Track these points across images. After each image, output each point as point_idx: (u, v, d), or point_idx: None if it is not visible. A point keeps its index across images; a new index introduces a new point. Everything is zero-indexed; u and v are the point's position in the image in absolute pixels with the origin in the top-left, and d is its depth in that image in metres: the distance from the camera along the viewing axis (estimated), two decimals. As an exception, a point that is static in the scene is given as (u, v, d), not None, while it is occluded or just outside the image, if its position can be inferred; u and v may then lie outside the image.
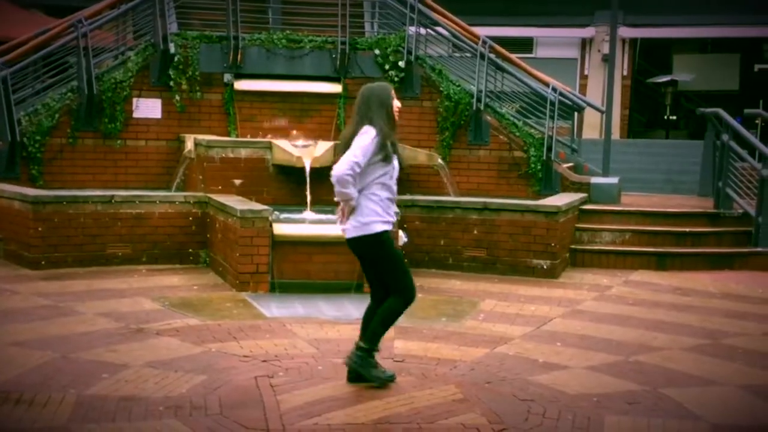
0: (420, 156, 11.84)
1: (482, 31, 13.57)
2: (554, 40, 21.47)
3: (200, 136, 11.20)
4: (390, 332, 6.94)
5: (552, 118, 12.17)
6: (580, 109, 13.31)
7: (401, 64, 12.66)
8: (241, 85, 12.51)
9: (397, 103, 5.68)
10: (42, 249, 9.34)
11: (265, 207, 8.94)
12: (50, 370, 5.78)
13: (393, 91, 5.73)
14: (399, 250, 5.72)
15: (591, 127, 19.73)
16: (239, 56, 12.41)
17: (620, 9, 15.01)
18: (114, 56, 12.60)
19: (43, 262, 9.31)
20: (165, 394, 5.39)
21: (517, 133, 12.44)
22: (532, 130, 12.55)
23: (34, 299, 7.93)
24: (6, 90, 10.85)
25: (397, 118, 5.68)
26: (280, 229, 8.75)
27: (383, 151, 5.48)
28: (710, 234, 11.36)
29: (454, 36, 13.21)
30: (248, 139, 11.78)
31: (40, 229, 9.33)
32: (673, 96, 22.06)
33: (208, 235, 9.84)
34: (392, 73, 12.66)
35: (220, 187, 10.32)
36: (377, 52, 12.72)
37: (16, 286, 8.48)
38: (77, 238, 9.50)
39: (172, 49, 12.13)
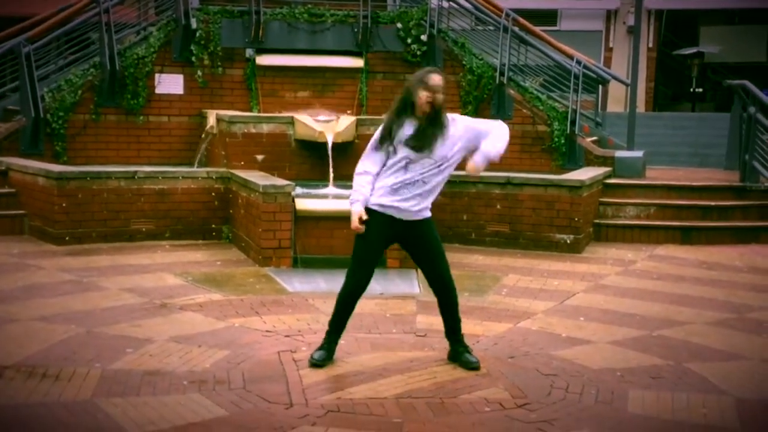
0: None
1: (506, 4, 13.47)
2: (579, 12, 21.24)
3: (222, 112, 11.21)
4: (412, 307, 7.03)
5: (576, 91, 12.06)
6: (605, 82, 13.18)
7: (423, 37, 12.59)
8: (263, 60, 12.49)
9: (423, 94, 5.21)
10: (66, 224, 9.40)
11: (288, 182, 8.93)
12: (75, 344, 5.82)
13: (429, 75, 5.27)
14: (364, 237, 5.69)
15: (616, 100, 19.58)
16: (261, 31, 12.38)
17: (646, -20, 14.82)
18: (136, 32, 12.62)
19: (67, 238, 9.38)
20: (189, 368, 5.42)
21: (541, 107, 12.34)
22: (556, 104, 12.45)
23: (59, 274, 7.99)
24: (29, 66, 10.89)
25: (422, 103, 5.23)
26: (303, 204, 8.74)
27: (381, 142, 5.45)
28: (736, 208, 11.24)
29: (476, 9, 13.11)
30: (270, 114, 11.76)
31: (64, 204, 9.38)
32: (700, 68, 21.74)
33: (231, 211, 9.86)
34: (414, 47, 12.59)
35: (242, 163, 10.32)
36: (399, 25, 12.64)
37: (40, 261, 8.55)
38: (101, 213, 9.55)
39: (194, 25, 12.13)
